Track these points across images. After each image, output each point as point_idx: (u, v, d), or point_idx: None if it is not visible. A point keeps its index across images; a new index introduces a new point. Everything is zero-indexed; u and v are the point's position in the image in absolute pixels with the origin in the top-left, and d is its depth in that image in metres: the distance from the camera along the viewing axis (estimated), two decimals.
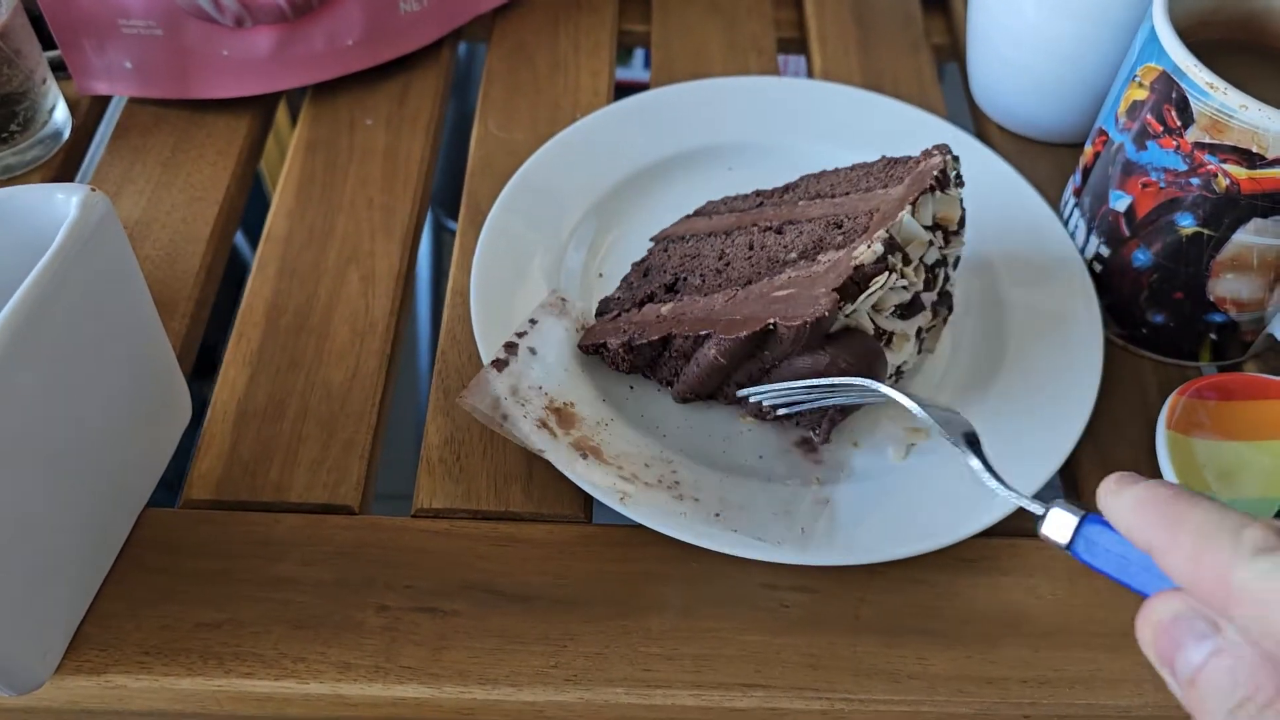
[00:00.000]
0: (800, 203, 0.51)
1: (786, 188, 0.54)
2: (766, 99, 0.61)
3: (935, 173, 0.47)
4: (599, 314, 0.52)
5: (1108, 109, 0.52)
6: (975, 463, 0.38)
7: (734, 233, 0.52)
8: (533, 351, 0.48)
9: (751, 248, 0.50)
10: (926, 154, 0.49)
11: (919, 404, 0.41)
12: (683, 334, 0.47)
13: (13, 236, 0.40)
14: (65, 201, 0.39)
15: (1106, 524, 0.32)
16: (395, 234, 0.57)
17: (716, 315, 0.46)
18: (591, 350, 0.50)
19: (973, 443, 0.39)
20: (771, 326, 0.44)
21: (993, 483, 0.37)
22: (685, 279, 0.50)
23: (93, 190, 0.40)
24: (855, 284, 0.44)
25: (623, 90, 0.67)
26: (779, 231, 0.50)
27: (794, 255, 0.48)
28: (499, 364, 0.47)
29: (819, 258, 0.47)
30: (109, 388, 0.42)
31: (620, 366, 0.49)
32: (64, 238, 0.38)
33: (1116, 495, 0.31)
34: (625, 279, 0.53)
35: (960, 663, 0.44)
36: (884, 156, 0.51)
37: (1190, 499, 0.29)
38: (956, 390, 0.51)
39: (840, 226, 0.48)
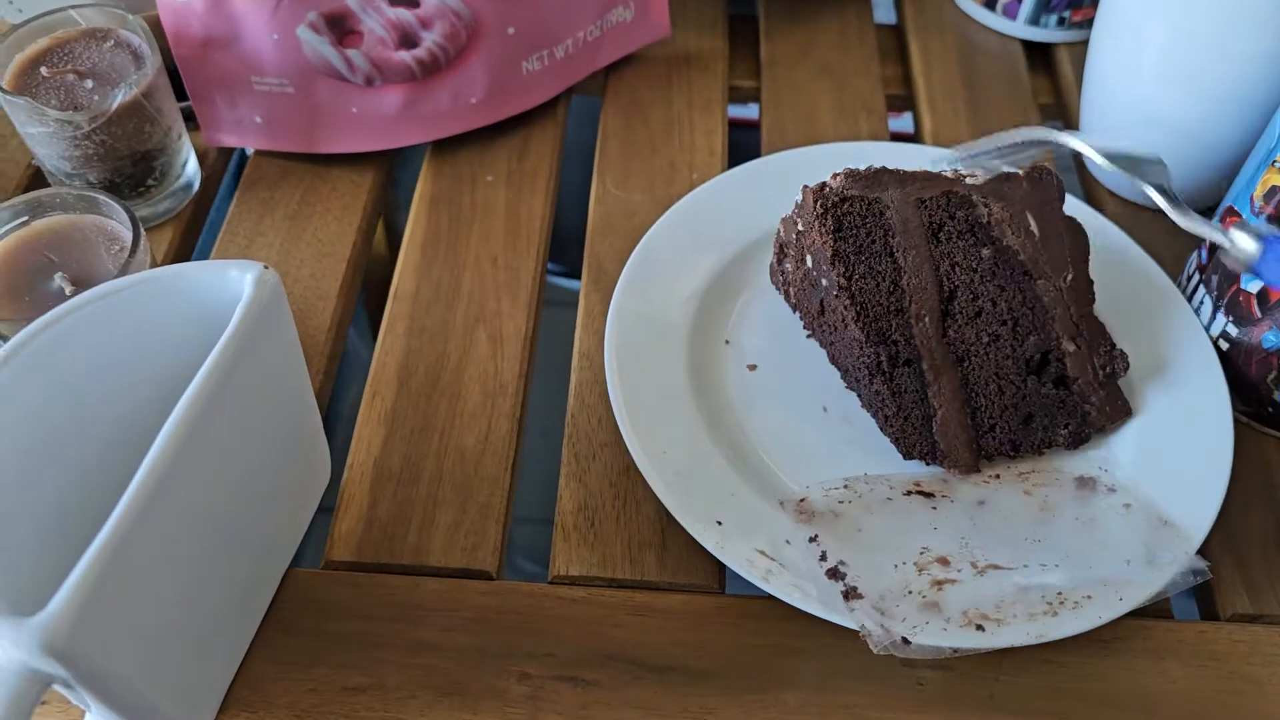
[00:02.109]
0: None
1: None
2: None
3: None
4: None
5: (1240, 189, 0.52)
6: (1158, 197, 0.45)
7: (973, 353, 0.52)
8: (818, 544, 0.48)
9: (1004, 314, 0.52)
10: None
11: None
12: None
13: (186, 309, 0.42)
14: (239, 279, 0.40)
15: None
16: (521, 295, 0.58)
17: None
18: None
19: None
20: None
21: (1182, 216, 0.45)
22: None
23: (266, 268, 0.41)
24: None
25: (733, 127, 0.68)
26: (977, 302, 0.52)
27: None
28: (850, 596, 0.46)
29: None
30: (266, 452, 0.44)
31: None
32: (241, 316, 0.39)
33: None
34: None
35: None
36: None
37: None
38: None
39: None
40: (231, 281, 0.41)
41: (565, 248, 0.69)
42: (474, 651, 0.46)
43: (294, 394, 0.45)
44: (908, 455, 0.51)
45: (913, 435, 0.51)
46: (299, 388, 0.45)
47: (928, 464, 0.51)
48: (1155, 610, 0.49)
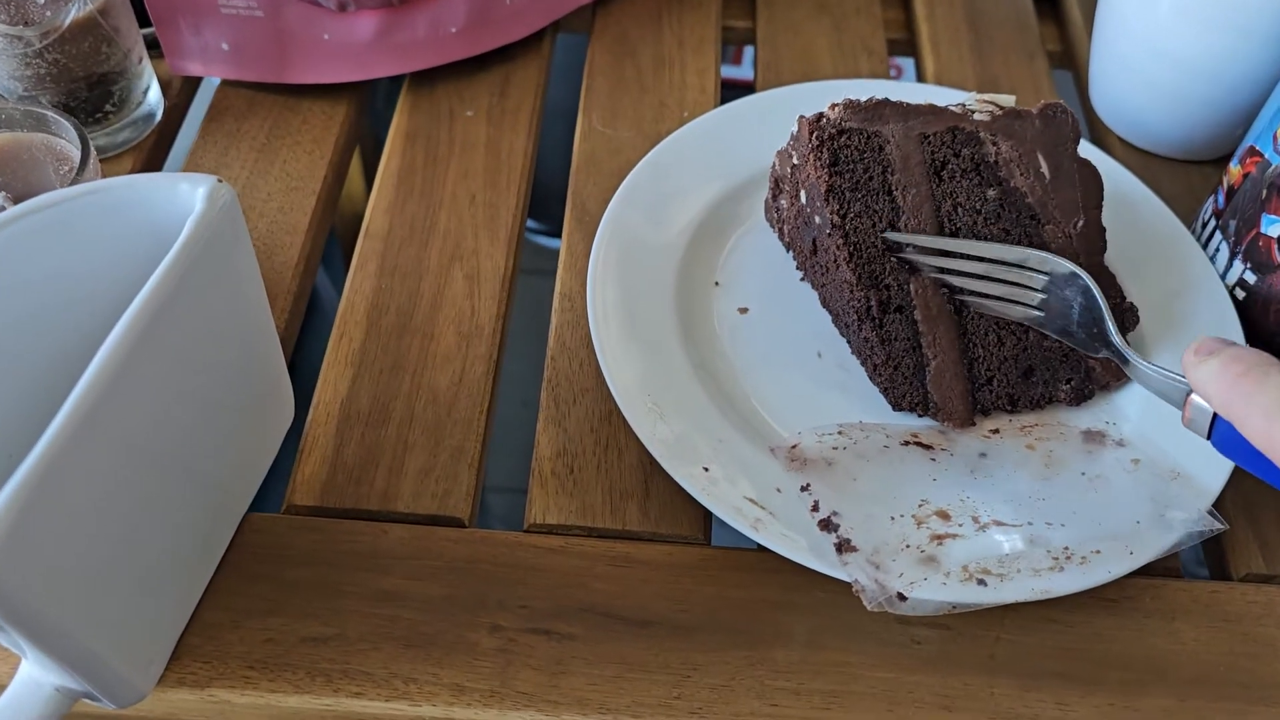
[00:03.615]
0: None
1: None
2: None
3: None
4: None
5: (1262, 127, 0.49)
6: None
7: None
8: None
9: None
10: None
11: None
12: None
13: (134, 225, 0.38)
14: (190, 192, 0.37)
15: None
16: (500, 233, 0.55)
17: None
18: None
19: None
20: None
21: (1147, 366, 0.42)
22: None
23: (219, 182, 0.38)
24: None
25: (725, 87, 0.65)
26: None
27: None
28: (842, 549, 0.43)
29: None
30: (220, 385, 0.40)
31: None
32: (190, 231, 0.36)
33: (1197, 367, 0.35)
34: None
35: (1103, 710, 0.42)
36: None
37: (1261, 375, 0.33)
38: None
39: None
40: (183, 195, 0.38)
41: (547, 204, 0.66)
42: (443, 602, 0.43)
43: (251, 321, 0.42)
44: (896, 406, 0.48)
45: (902, 385, 0.48)
46: (257, 315, 0.42)
47: (919, 415, 0.48)
48: (1165, 569, 0.46)
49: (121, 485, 0.36)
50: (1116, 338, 0.44)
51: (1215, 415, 0.37)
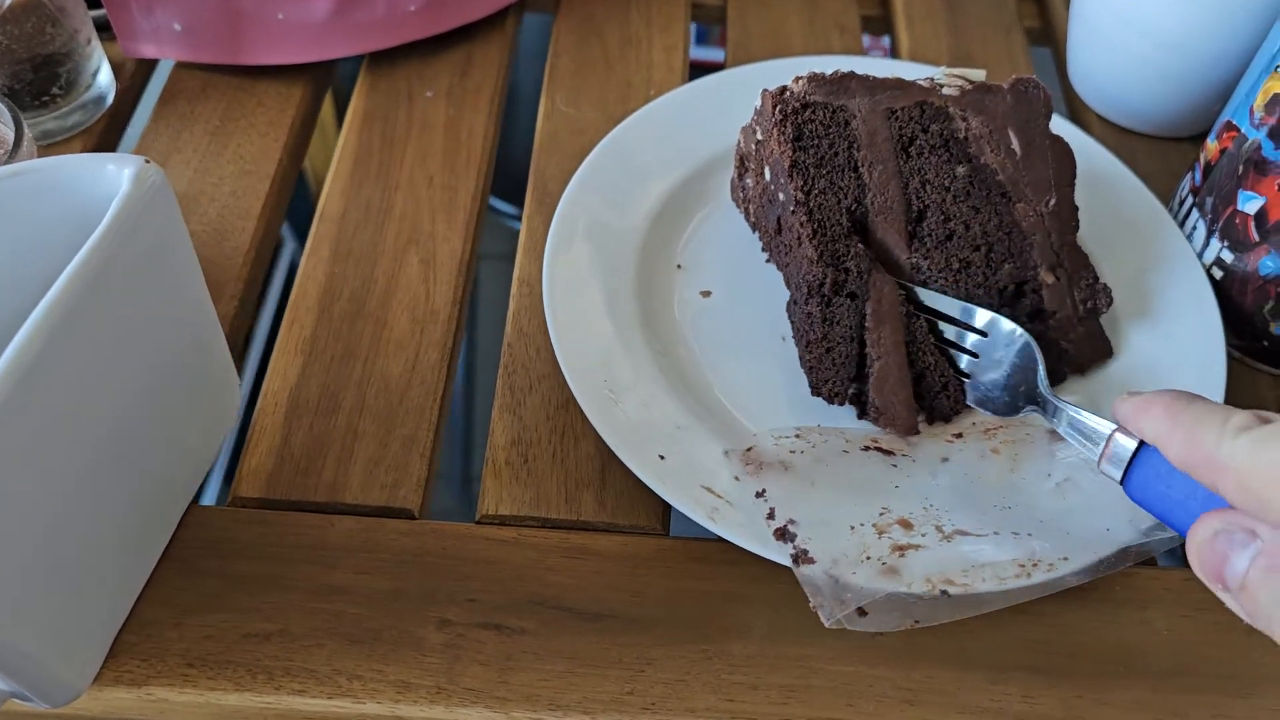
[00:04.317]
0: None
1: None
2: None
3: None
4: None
5: (1239, 101, 0.48)
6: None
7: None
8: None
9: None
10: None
11: None
12: None
13: (60, 208, 0.37)
14: (117, 174, 0.36)
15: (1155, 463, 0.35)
16: (458, 216, 0.54)
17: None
18: None
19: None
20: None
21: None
22: None
23: (147, 162, 0.36)
24: None
25: (696, 71, 0.63)
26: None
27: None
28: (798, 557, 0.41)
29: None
30: (156, 374, 0.39)
31: None
32: (115, 213, 0.35)
33: (1125, 402, 0.35)
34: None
35: (1071, 703, 0.41)
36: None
37: (1189, 398, 0.33)
38: None
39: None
40: (109, 177, 0.36)
41: (521, 187, 0.65)
42: (390, 596, 0.42)
43: (189, 308, 0.40)
44: (815, 390, 0.46)
45: (828, 369, 0.45)
46: (195, 302, 0.40)
47: (830, 402, 0.46)
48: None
49: (50, 474, 0.34)
50: (1044, 388, 0.43)
51: (1131, 460, 0.36)
